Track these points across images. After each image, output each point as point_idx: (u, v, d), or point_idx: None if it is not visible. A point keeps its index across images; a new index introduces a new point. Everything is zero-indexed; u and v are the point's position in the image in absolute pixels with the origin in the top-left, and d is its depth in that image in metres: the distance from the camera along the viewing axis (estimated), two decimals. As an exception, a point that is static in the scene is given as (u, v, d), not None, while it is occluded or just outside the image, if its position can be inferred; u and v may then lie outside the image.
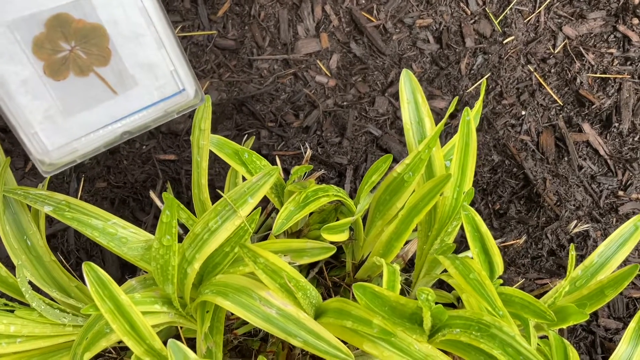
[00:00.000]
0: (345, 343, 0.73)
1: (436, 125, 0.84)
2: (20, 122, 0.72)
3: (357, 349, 0.90)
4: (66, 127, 0.75)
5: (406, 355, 0.72)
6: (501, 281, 0.85)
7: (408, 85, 0.88)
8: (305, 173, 1.06)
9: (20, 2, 0.69)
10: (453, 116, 1.38)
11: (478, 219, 0.84)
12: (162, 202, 0.98)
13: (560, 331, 1.22)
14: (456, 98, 0.80)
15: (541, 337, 0.93)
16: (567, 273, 0.90)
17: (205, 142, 0.82)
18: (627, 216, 1.33)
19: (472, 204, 1.31)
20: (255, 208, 0.71)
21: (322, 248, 0.77)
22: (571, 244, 0.89)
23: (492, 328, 0.73)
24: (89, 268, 0.69)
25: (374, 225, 0.95)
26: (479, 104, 0.89)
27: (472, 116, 0.89)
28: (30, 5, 0.70)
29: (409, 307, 0.73)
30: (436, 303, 0.74)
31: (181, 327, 0.95)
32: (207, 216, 0.73)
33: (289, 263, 0.81)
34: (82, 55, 0.73)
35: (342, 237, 0.83)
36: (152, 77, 0.79)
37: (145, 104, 0.80)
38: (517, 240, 1.26)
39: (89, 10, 0.73)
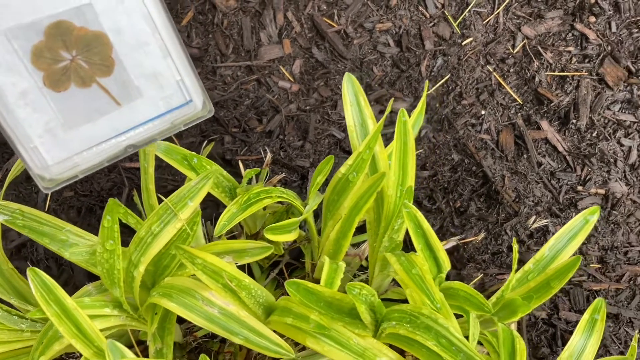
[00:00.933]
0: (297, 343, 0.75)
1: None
2: (19, 135, 0.69)
3: (307, 348, 0.93)
4: (67, 140, 0.72)
5: (345, 348, 0.75)
6: (444, 276, 0.87)
7: (350, 89, 0.90)
8: (267, 177, 1.09)
9: (17, 9, 0.66)
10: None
11: (419, 215, 0.87)
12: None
13: (519, 325, 1.25)
14: (392, 100, 0.82)
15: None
16: (512, 268, 0.93)
17: (152, 148, 0.84)
18: (586, 210, 1.36)
19: (433, 203, 1.34)
20: (194, 211, 0.73)
21: (261, 248, 0.80)
22: (514, 241, 0.92)
23: (427, 320, 0.76)
24: (33, 273, 0.71)
25: (327, 226, 0.98)
26: (421, 105, 0.92)
27: (411, 117, 0.92)
28: (28, 12, 0.66)
29: (347, 302, 0.75)
30: (389, 300, 0.77)
31: (138, 331, 0.97)
32: (150, 220, 0.75)
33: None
34: (83, 65, 0.70)
35: (289, 237, 0.86)
36: (157, 88, 0.75)
37: (151, 115, 0.76)
38: (476, 237, 1.28)
39: (91, 18, 0.69)
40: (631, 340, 1.28)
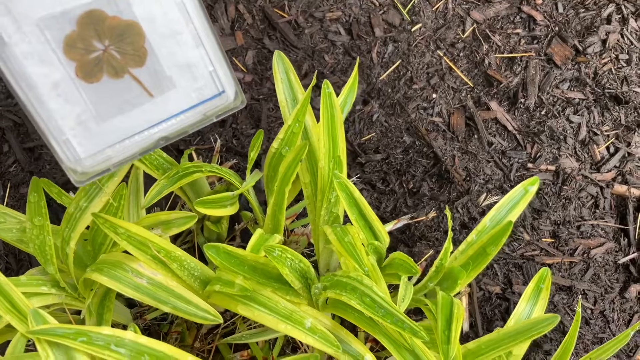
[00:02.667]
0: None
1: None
2: (51, 128, 0.67)
3: (262, 325, 0.94)
4: (100, 133, 0.70)
5: (273, 312, 0.76)
6: (376, 243, 0.89)
7: (281, 66, 0.92)
8: (218, 163, 1.10)
9: None
10: (365, 102, 1.43)
11: (350, 185, 0.89)
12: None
13: (471, 299, 1.26)
14: (316, 72, 0.84)
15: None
16: (448, 235, 0.94)
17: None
18: (538, 187, 1.38)
19: (386, 185, 1.36)
20: (119, 184, 0.75)
21: (185, 217, 0.81)
22: (446, 209, 0.94)
23: (354, 282, 0.77)
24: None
25: (269, 203, 1.00)
26: (352, 79, 0.94)
27: (342, 91, 0.94)
28: (60, 1, 0.64)
29: (273, 266, 0.77)
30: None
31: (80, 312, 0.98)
32: (78, 196, 0.77)
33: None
34: (116, 55, 0.68)
35: (223, 212, 0.87)
36: (190, 78, 0.73)
37: (183, 107, 0.74)
38: (427, 216, 1.30)
39: (124, 7, 0.67)
40: (585, 310, 1.30)
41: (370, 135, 1.40)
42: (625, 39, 1.51)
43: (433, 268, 0.99)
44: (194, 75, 0.74)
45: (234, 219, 1.19)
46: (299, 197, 1.29)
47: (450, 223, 0.95)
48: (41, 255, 0.79)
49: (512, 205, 1.09)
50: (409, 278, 0.92)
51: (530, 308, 1.09)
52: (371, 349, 1.11)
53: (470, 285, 1.27)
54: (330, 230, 0.89)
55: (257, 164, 1.35)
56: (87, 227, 0.82)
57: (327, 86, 0.84)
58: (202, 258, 1.16)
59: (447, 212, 0.95)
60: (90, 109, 0.68)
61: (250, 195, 0.97)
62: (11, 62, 0.63)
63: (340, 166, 0.88)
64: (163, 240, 0.77)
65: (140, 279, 0.75)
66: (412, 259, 0.87)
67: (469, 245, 1.08)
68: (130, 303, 1.08)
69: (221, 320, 0.74)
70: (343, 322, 1.02)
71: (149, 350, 0.70)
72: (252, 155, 0.90)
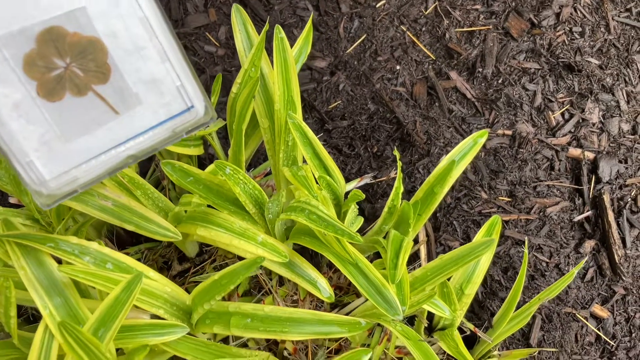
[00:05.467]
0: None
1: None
2: (14, 150, 0.65)
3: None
4: (65, 153, 0.68)
5: (228, 231, 0.83)
6: (328, 178, 0.96)
7: (239, 18, 1.00)
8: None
9: (6, 16, 0.62)
10: (332, 73, 1.51)
11: (304, 126, 0.96)
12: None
13: (429, 252, 1.34)
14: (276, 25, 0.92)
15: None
16: (397, 177, 1.01)
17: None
18: (495, 150, 1.46)
19: (352, 150, 1.43)
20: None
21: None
22: (395, 150, 1.01)
23: (303, 204, 0.84)
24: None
25: (231, 146, 1.06)
26: (306, 30, 1.02)
27: (297, 42, 1.02)
28: (18, 18, 0.62)
29: (228, 188, 0.84)
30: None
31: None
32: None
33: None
34: (78, 72, 0.66)
35: (185, 150, 0.94)
36: (157, 94, 0.72)
37: (151, 124, 0.73)
38: (388, 176, 1.38)
39: (85, 22, 0.65)
40: (540, 263, 1.37)
41: (336, 103, 1.48)
42: (578, 12, 1.60)
43: (385, 209, 1.06)
44: (161, 90, 0.72)
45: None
46: (266, 158, 1.36)
47: (399, 164, 1.02)
48: (16, 187, 0.86)
49: (462, 155, 1.16)
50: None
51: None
52: (336, 295, 1.18)
53: (428, 237, 1.34)
54: (287, 169, 0.96)
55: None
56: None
57: (279, 31, 0.92)
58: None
59: (396, 153, 1.03)
60: (54, 129, 0.67)
61: (213, 141, 1.04)
62: (-31, 83, 0.61)
63: (294, 107, 0.95)
64: (128, 169, 0.84)
65: (106, 201, 0.82)
66: (360, 192, 0.94)
67: (419, 190, 1.15)
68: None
69: (180, 237, 0.81)
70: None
71: (112, 260, 0.77)
72: (213, 99, 0.97)
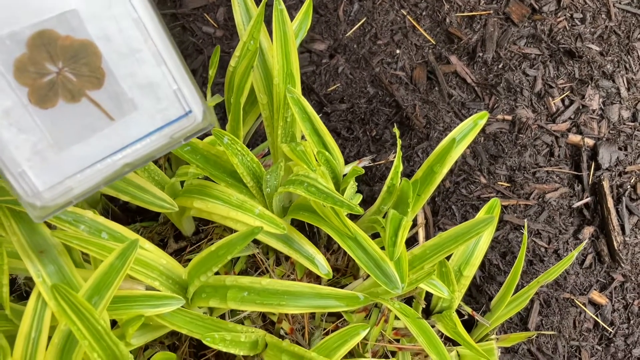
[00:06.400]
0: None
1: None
2: (5, 160, 0.62)
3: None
4: (58, 163, 0.65)
5: (226, 203, 0.82)
6: (327, 154, 0.94)
7: (238, -8, 0.99)
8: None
9: None
10: (332, 56, 1.50)
11: (303, 100, 0.95)
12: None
13: (427, 233, 1.32)
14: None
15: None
16: (397, 156, 1.00)
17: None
18: (495, 134, 1.45)
19: (351, 133, 1.42)
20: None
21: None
22: (394, 128, 1.00)
23: (301, 177, 0.83)
24: None
25: (229, 120, 1.05)
26: (306, 5, 1.00)
27: (296, 17, 1.01)
28: (7, 22, 0.59)
29: (226, 160, 0.82)
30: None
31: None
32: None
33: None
34: (71, 77, 0.63)
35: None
36: (153, 99, 0.68)
37: (147, 130, 0.69)
38: (387, 159, 1.36)
39: (77, 25, 0.62)
40: (539, 249, 1.37)
41: (335, 86, 1.47)
42: (579, -1, 1.59)
43: (384, 188, 1.05)
44: (157, 95, 0.69)
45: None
46: (264, 139, 1.35)
47: (399, 142, 1.01)
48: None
49: (462, 135, 1.15)
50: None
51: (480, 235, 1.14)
52: (333, 277, 1.16)
53: (426, 220, 1.33)
54: (286, 146, 0.95)
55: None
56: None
57: (279, 3, 0.91)
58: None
59: (395, 130, 1.01)
60: (47, 137, 0.63)
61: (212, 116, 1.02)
62: (-43, 90, 0.57)
63: (294, 81, 0.94)
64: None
65: (101, 171, 0.81)
66: (360, 167, 0.93)
67: (419, 169, 1.14)
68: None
69: (176, 208, 0.80)
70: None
71: (107, 229, 0.75)
72: (211, 72, 0.96)
